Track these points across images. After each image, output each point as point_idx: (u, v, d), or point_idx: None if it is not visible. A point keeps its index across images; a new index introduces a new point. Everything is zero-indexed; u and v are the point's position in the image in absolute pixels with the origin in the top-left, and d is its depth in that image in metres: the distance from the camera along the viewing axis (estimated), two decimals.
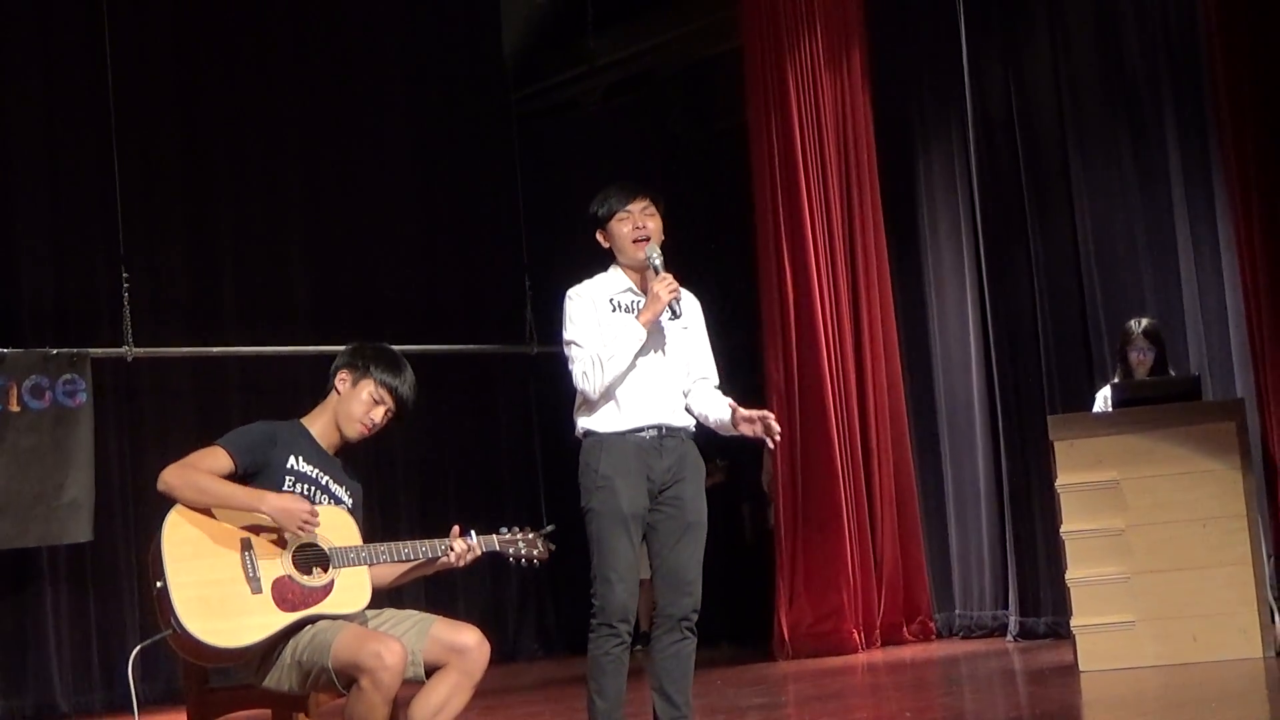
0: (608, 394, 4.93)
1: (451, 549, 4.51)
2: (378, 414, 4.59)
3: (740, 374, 9.15)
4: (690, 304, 5.12)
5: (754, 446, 10.28)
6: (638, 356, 4.95)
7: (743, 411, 4.98)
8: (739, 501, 10.59)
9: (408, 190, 10.98)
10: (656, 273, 4.98)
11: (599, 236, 5.13)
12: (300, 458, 4.48)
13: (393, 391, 4.59)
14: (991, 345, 8.88)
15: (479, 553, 4.58)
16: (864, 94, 9.27)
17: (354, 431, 4.59)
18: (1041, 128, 8.81)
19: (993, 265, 8.90)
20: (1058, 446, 6.92)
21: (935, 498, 9.31)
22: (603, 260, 5.25)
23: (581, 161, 11.18)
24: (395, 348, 4.76)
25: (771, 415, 4.97)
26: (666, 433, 4.98)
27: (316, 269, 10.40)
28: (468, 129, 11.21)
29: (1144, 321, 7.61)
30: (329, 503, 4.50)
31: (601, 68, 11.36)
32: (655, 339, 4.99)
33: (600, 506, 4.89)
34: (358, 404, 4.57)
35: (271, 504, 4.27)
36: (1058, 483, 6.92)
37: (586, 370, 4.91)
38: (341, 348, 4.71)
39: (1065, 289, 8.66)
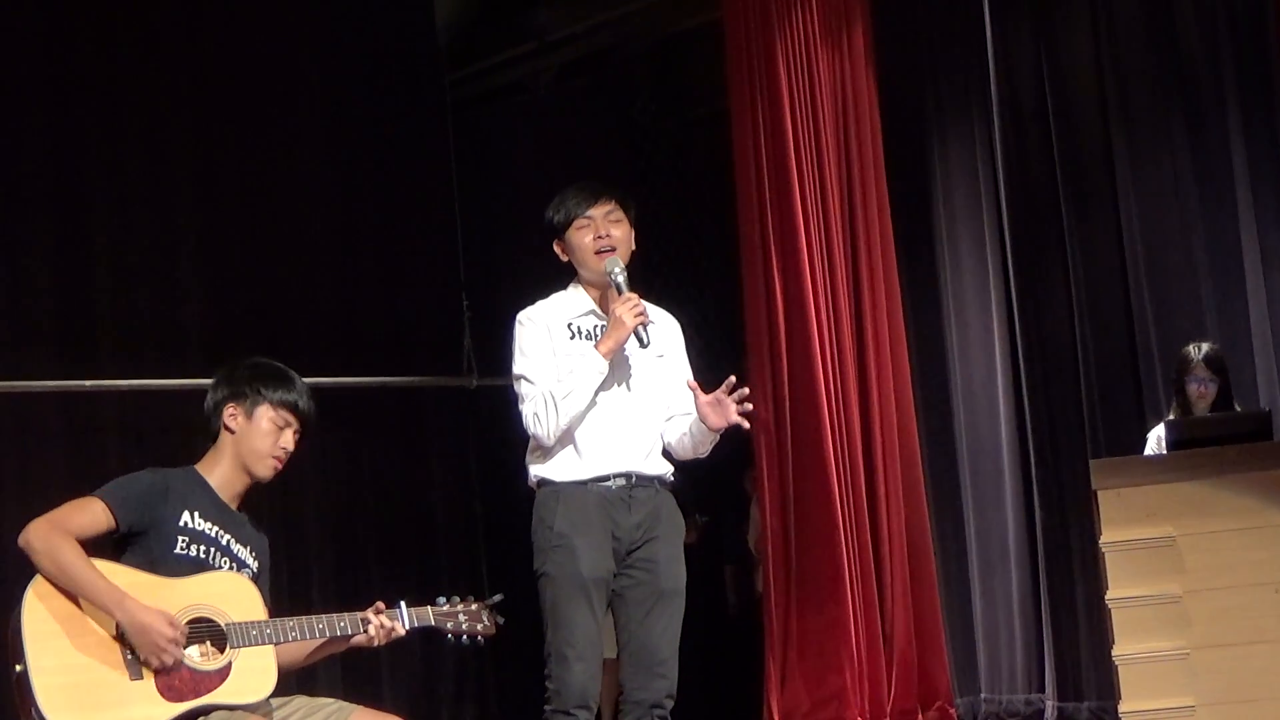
0: (565, 437, 4.92)
1: (366, 623, 4.47)
2: (288, 439, 4.60)
3: None
4: (667, 327, 5.12)
5: (738, 499, 10.31)
6: (599, 392, 4.94)
7: (704, 396, 4.98)
8: (720, 563, 10.56)
9: (321, 193, 10.90)
10: (619, 292, 4.98)
11: (556, 248, 5.14)
12: (196, 514, 4.47)
13: (294, 408, 4.60)
14: (1022, 376, 8.90)
15: (403, 630, 4.54)
16: (868, 76, 9.26)
17: (268, 469, 4.61)
18: (1080, 117, 8.84)
19: (1023, 281, 8.92)
20: (1102, 497, 6.91)
21: (956, 558, 9.29)
22: (559, 275, 5.25)
23: (529, 158, 11.16)
24: (308, 380, 4.75)
25: (732, 379, 4.96)
26: (637, 482, 4.98)
27: (211, 286, 10.29)
28: (393, 119, 11.16)
29: (1205, 347, 7.62)
30: (230, 566, 4.49)
31: (553, 44, 11.33)
32: (621, 370, 4.99)
33: (556, 570, 4.88)
34: (261, 437, 4.58)
35: (131, 616, 4.21)
36: (1102, 540, 6.91)
37: (538, 411, 4.91)
38: None
39: (1110, 308, 8.68)
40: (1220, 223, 8.44)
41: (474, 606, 4.69)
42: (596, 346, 4.96)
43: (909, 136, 9.46)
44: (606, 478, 4.96)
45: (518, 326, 5.09)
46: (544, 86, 11.59)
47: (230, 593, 4.38)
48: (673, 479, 5.16)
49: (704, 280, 10.37)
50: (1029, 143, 8.97)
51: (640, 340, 4.96)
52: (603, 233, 5.08)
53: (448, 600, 4.68)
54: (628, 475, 4.98)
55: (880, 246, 9.21)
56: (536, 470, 5.01)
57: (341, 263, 10.95)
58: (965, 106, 9.31)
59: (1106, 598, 6.91)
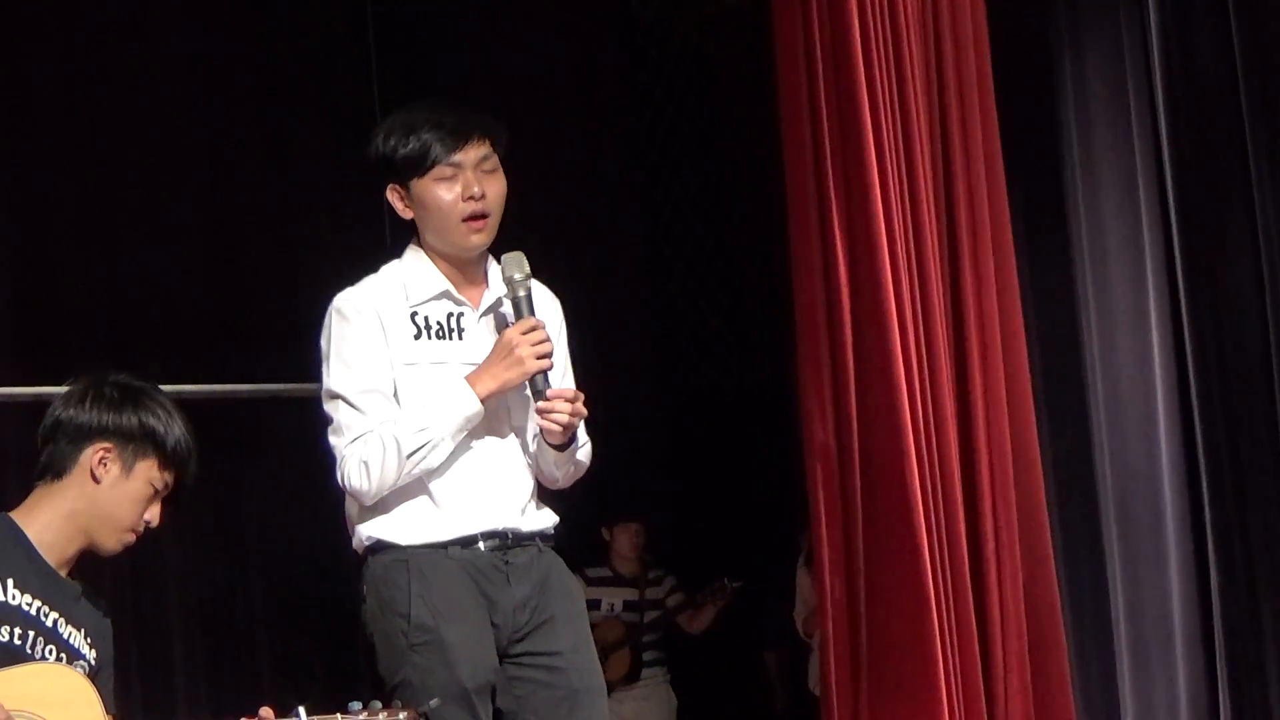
0: (416, 483, 4.94)
1: None
2: (155, 512, 4.72)
3: (759, 429, 9.04)
4: (543, 306, 5.14)
5: (783, 559, 10.29)
6: None
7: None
8: (760, 648, 10.61)
9: (183, 122, 10.93)
10: (519, 313, 4.99)
11: (392, 196, 5.18)
12: (10, 583, 4.52)
13: (184, 465, 4.67)
14: (1191, 381, 8.89)
15: None
16: None
17: (120, 543, 4.70)
18: (1276, 14, 8.78)
19: (1192, 247, 8.90)
20: None
21: (1096, 638, 9.28)
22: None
23: (483, 69, 11.15)
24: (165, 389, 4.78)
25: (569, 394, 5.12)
26: (513, 542, 4.99)
27: (19, 268, 10.35)
28: (287, 15, 11.15)
29: None
30: (58, 657, 4.51)
31: None
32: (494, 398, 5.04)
33: (422, 680, 4.91)
34: (130, 504, 4.69)
35: None
36: None
37: (368, 459, 5.03)
38: (60, 389, 4.74)
39: None
40: None
41: (402, 715, 4.73)
42: (472, 382, 4.98)
43: (1027, 37, 9.42)
44: (473, 539, 5.02)
45: (333, 318, 5.17)
46: None
47: (56, 693, 4.38)
48: (554, 531, 5.20)
49: (734, 245, 10.35)
50: (1198, 52, 8.94)
51: (536, 389, 5.01)
52: (476, 191, 5.08)
53: (365, 705, 4.70)
54: (500, 535, 5.05)
55: (988, 195, 9.11)
56: (368, 528, 5.06)
57: (214, 223, 10.98)
58: None
59: None
